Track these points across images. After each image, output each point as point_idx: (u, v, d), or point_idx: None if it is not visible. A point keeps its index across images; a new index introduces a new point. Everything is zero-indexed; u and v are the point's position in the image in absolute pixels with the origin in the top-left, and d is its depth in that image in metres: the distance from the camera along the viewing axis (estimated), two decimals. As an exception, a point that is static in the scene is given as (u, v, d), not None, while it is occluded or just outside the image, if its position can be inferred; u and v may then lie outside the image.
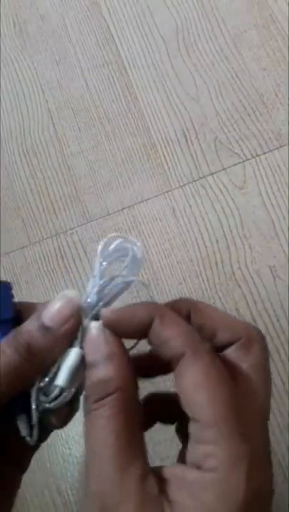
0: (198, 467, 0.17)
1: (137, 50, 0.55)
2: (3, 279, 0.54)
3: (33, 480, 0.48)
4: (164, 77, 0.53)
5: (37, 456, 0.50)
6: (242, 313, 0.47)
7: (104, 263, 0.22)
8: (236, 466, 0.17)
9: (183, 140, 0.52)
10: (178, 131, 0.52)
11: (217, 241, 0.49)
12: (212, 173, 0.50)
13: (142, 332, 0.20)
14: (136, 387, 0.20)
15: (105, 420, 0.18)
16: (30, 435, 0.21)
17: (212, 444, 0.17)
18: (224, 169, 0.50)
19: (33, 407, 0.20)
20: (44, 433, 0.22)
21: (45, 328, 0.20)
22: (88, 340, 0.20)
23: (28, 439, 0.21)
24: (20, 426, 0.21)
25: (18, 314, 0.23)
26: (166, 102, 0.53)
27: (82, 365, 0.20)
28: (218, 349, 0.20)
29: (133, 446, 0.18)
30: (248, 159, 0.49)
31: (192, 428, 0.18)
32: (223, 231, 0.49)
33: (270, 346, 0.46)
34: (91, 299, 0.22)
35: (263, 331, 0.46)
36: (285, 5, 0.52)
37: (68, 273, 0.52)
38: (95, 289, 0.22)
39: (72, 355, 0.20)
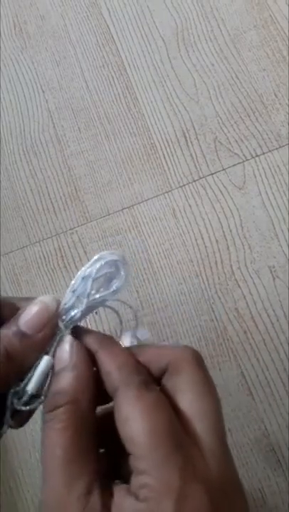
0: (136, 497, 0.17)
1: (136, 51, 0.55)
2: (4, 279, 0.54)
3: (33, 480, 0.48)
4: (163, 78, 0.53)
5: (37, 455, 0.50)
6: (242, 313, 0.47)
7: (90, 281, 0.22)
8: (165, 497, 0.17)
9: (183, 140, 0.52)
10: (178, 132, 0.52)
11: (217, 241, 0.49)
12: (212, 174, 0.50)
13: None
14: (92, 402, 0.20)
15: (55, 433, 0.18)
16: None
17: (145, 474, 0.17)
18: (224, 169, 0.50)
19: (8, 407, 0.21)
20: (19, 425, 0.23)
21: (22, 334, 0.20)
22: (58, 351, 0.21)
23: None
24: None
25: None
26: (166, 103, 0.53)
27: (52, 372, 0.21)
28: (157, 381, 0.21)
29: (81, 461, 0.18)
30: (247, 159, 0.50)
31: (130, 460, 0.18)
32: (223, 231, 0.49)
33: (270, 346, 0.46)
34: (67, 304, 0.22)
35: (263, 330, 0.46)
36: (285, 6, 0.52)
37: (68, 273, 0.52)
38: (73, 300, 0.22)
39: (43, 363, 0.21)
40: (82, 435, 0.19)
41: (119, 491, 0.18)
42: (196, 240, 0.49)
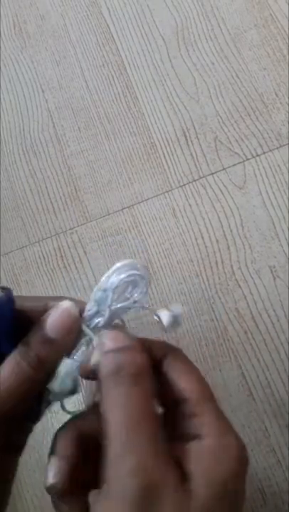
0: (195, 437, 0.20)
1: (137, 50, 0.55)
2: (3, 279, 0.54)
3: (33, 480, 0.48)
4: (164, 77, 0.53)
5: (37, 456, 0.50)
6: (242, 313, 0.47)
7: (112, 290, 0.23)
8: (228, 430, 0.20)
9: (183, 140, 0.51)
10: (178, 131, 0.52)
11: (217, 241, 0.48)
12: (212, 173, 0.50)
13: None
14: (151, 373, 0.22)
15: (144, 392, 0.20)
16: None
17: (204, 416, 0.20)
18: (224, 169, 0.50)
19: (44, 403, 0.23)
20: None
21: (50, 341, 0.22)
22: (112, 333, 0.22)
23: (31, 424, 0.24)
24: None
25: (21, 318, 0.23)
26: (166, 102, 0.53)
27: (77, 373, 0.23)
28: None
29: (160, 426, 0.20)
30: (248, 159, 0.49)
31: (182, 409, 0.21)
32: (223, 231, 0.49)
33: (271, 346, 0.46)
34: (91, 312, 0.23)
35: (263, 330, 0.46)
36: (285, 5, 0.52)
37: (68, 273, 0.52)
38: (96, 307, 0.23)
39: (68, 366, 0.22)
40: (151, 394, 0.20)
41: (178, 446, 0.20)
42: (196, 239, 0.49)
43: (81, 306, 0.23)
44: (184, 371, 0.22)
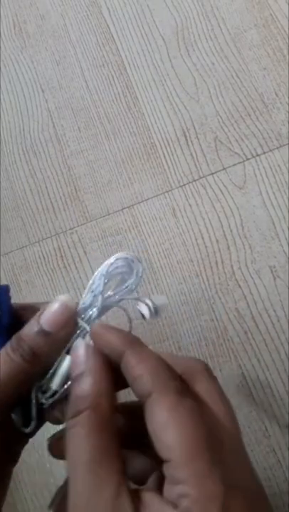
0: (174, 506, 0.17)
1: (136, 50, 0.55)
2: (3, 279, 0.54)
3: (33, 481, 0.48)
4: (164, 77, 0.53)
5: (36, 456, 0.50)
6: (242, 314, 0.47)
7: (104, 280, 0.23)
8: (209, 506, 0.16)
9: (183, 140, 0.51)
10: (178, 131, 0.52)
11: (217, 241, 0.48)
12: (212, 173, 0.50)
13: (117, 358, 0.21)
14: (112, 404, 0.20)
15: (79, 438, 0.18)
16: (25, 426, 0.23)
17: (185, 484, 0.17)
18: (224, 169, 0.50)
19: (33, 402, 0.22)
20: (36, 427, 0.24)
21: (45, 333, 0.21)
22: (73, 356, 0.21)
23: (23, 429, 0.23)
24: (15, 418, 0.23)
25: (16, 316, 0.24)
26: (166, 102, 0.53)
27: None
28: None
29: (107, 464, 0.18)
30: (248, 159, 0.49)
31: (165, 468, 0.18)
32: (223, 231, 0.49)
33: (271, 347, 0.46)
34: (85, 303, 0.23)
35: (263, 331, 0.46)
36: (285, 5, 0.52)
37: (68, 273, 0.52)
38: (90, 299, 0.23)
39: (66, 363, 0.22)
40: (107, 438, 0.18)
41: (150, 498, 0.17)
42: (196, 239, 0.49)
43: (76, 301, 0.23)
44: (171, 421, 0.18)
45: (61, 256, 0.52)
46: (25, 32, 0.59)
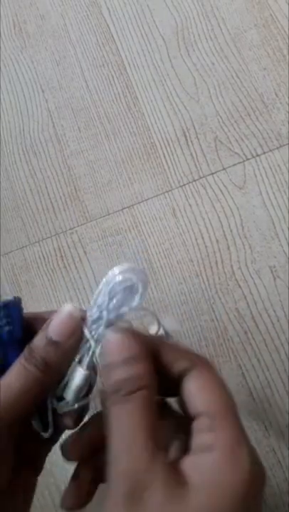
0: (211, 450, 0.20)
1: (136, 50, 0.55)
2: (3, 279, 0.54)
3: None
4: (163, 77, 0.53)
5: (37, 456, 0.50)
6: (242, 314, 0.47)
7: (108, 296, 0.23)
8: (241, 444, 0.20)
9: (183, 140, 0.51)
10: (178, 131, 0.52)
11: (217, 241, 0.48)
12: (212, 173, 0.50)
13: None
14: (156, 386, 0.22)
15: (138, 411, 0.20)
16: (44, 431, 0.24)
17: (219, 430, 0.20)
18: (224, 169, 0.50)
19: (50, 410, 0.23)
20: (56, 434, 0.25)
21: (54, 343, 0.22)
22: (113, 341, 0.22)
23: (43, 433, 0.24)
24: (35, 424, 0.24)
25: (28, 326, 0.24)
26: (166, 102, 0.53)
27: (86, 383, 0.23)
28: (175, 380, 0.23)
29: (158, 436, 0.20)
30: (248, 159, 0.49)
31: (198, 423, 0.21)
32: (223, 231, 0.49)
33: (271, 347, 0.46)
34: (93, 317, 0.23)
35: (263, 331, 0.46)
36: (285, 5, 0.52)
37: (68, 273, 0.52)
38: (97, 314, 0.23)
39: (78, 376, 0.23)
40: (155, 415, 0.21)
41: (183, 461, 0.20)
42: (196, 239, 0.49)
43: (82, 313, 0.23)
44: (207, 386, 0.22)
45: (61, 256, 0.52)
46: (25, 32, 0.59)
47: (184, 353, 0.23)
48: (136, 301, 0.23)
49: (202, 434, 0.21)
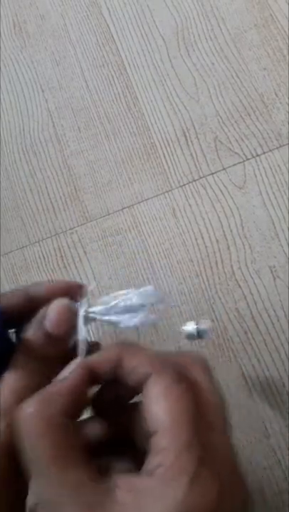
0: (150, 475, 0.18)
1: (136, 50, 0.55)
2: (3, 279, 0.54)
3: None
4: (163, 77, 0.53)
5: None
6: (242, 313, 0.47)
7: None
8: (180, 476, 0.17)
9: (183, 140, 0.51)
10: (178, 131, 0.52)
11: (217, 241, 0.48)
12: (212, 173, 0.50)
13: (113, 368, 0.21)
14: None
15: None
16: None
17: (164, 452, 0.18)
18: (224, 169, 0.50)
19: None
20: None
21: (52, 337, 0.22)
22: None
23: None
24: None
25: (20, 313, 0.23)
26: (166, 102, 0.53)
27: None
28: None
29: (69, 456, 0.18)
30: (248, 159, 0.49)
31: (152, 441, 0.19)
32: (223, 231, 0.49)
33: (271, 347, 0.46)
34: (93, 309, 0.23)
35: (263, 331, 0.46)
36: (285, 5, 0.52)
37: (68, 273, 0.52)
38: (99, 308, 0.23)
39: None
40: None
41: (121, 477, 0.18)
42: (196, 239, 0.49)
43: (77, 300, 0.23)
44: (162, 397, 0.19)
45: (61, 256, 0.52)
46: (25, 32, 0.59)
47: (146, 357, 0.21)
48: (136, 323, 0.22)
49: (151, 456, 0.18)
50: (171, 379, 0.20)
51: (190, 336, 0.24)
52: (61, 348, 0.22)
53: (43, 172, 0.55)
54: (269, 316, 0.46)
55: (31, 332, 0.22)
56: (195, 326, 0.23)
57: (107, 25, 0.56)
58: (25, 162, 0.56)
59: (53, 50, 0.58)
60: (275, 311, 0.46)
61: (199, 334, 0.24)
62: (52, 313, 0.22)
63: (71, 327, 0.22)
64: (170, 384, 0.19)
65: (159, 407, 0.19)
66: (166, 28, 0.54)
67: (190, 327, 0.24)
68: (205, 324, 0.24)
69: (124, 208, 0.52)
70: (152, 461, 0.18)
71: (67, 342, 0.22)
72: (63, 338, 0.22)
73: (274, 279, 0.47)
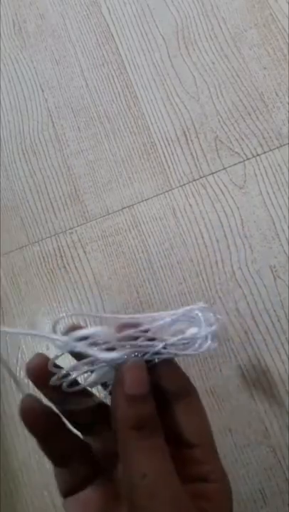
0: (205, 480, 0.22)
1: (136, 49, 0.55)
2: (3, 279, 0.54)
3: (32, 481, 0.48)
4: (164, 76, 0.53)
5: (36, 457, 0.50)
6: (242, 314, 0.46)
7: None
8: (226, 474, 0.23)
9: (183, 139, 0.51)
10: (178, 131, 0.52)
11: (217, 241, 0.48)
12: (212, 173, 0.50)
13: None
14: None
15: (164, 444, 0.21)
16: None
17: (206, 464, 0.23)
18: (224, 168, 0.50)
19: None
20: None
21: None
22: (133, 376, 0.22)
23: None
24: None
25: None
26: (166, 101, 0.52)
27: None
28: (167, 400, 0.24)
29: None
30: (248, 158, 0.49)
31: (195, 453, 0.23)
32: (224, 231, 0.48)
33: (271, 346, 0.45)
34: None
35: (264, 331, 0.46)
36: (286, 4, 0.52)
37: (68, 273, 0.52)
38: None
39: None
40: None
41: (188, 487, 0.22)
42: (196, 239, 0.49)
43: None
44: (197, 417, 0.24)
45: (61, 256, 0.52)
46: (25, 31, 0.59)
47: (178, 376, 0.24)
48: (201, 351, 0.23)
49: (199, 466, 0.23)
50: (200, 402, 0.24)
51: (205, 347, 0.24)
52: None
53: (42, 172, 0.55)
54: (269, 316, 0.46)
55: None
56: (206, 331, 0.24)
57: (107, 25, 0.56)
58: (25, 162, 0.55)
59: (52, 49, 0.58)
60: (275, 311, 0.46)
61: (213, 338, 0.24)
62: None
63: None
64: (201, 406, 0.24)
65: (197, 425, 0.23)
66: (166, 27, 0.54)
67: (196, 330, 0.24)
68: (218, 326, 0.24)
69: (124, 207, 0.51)
70: (202, 469, 0.22)
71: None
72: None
73: (274, 279, 0.46)
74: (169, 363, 0.24)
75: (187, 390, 0.24)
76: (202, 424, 0.23)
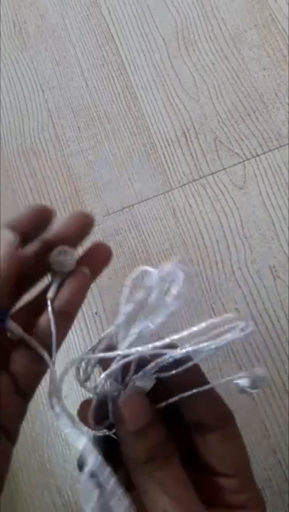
0: (243, 508, 0.22)
1: (136, 50, 0.55)
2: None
3: (33, 481, 0.48)
4: (164, 77, 0.53)
5: (37, 456, 0.50)
6: (242, 314, 0.47)
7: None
8: (263, 503, 0.23)
9: (183, 140, 0.51)
10: (178, 131, 0.52)
11: (217, 241, 0.48)
12: (212, 173, 0.50)
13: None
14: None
15: (180, 468, 0.21)
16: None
17: (243, 492, 0.22)
18: (224, 169, 0.50)
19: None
20: None
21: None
22: (131, 410, 0.21)
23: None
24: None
25: None
26: (166, 102, 0.53)
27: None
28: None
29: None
30: (248, 159, 0.49)
31: (229, 483, 0.22)
32: (223, 231, 0.49)
33: (271, 347, 0.46)
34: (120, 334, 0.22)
35: (264, 331, 0.46)
36: (285, 5, 0.52)
37: (68, 273, 0.52)
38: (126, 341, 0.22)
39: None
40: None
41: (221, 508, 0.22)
42: (196, 239, 0.49)
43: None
44: (234, 448, 0.23)
45: (61, 256, 0.52)
46: (25, 32, 0.59)
47: (220, 407, 0.23)
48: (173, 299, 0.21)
49: (235, 495, 0.22)
50: (237, 432, 0.23)
51: (247, 389, 0.23)
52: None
53: (43, 172, 0.55)
54: (269, 316, 0.46)
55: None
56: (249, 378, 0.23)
57: (107, 25, 0.56)
58: (25, 162, 0.56)
59: (52, 49, 0.58)
60: (275, 311, 0.46)
61: (256, 385, 0.23)
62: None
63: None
64: (238, 436, 0.23)
65: (234, 456, 0.23)
66: (166, 27, 0.54)
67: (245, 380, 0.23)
68: (260, 371, 0.23)
69: (124, 207, 0.52)
70: (239, 498, 0.22)
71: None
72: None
73: (274, 279, 0.46)
74: (209, 394, 0.23)
75: (226, 420, 0.23)
76: (239, 453, 0.23)
